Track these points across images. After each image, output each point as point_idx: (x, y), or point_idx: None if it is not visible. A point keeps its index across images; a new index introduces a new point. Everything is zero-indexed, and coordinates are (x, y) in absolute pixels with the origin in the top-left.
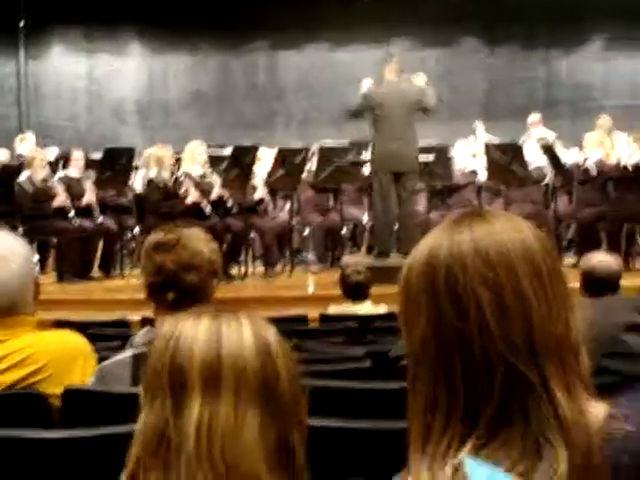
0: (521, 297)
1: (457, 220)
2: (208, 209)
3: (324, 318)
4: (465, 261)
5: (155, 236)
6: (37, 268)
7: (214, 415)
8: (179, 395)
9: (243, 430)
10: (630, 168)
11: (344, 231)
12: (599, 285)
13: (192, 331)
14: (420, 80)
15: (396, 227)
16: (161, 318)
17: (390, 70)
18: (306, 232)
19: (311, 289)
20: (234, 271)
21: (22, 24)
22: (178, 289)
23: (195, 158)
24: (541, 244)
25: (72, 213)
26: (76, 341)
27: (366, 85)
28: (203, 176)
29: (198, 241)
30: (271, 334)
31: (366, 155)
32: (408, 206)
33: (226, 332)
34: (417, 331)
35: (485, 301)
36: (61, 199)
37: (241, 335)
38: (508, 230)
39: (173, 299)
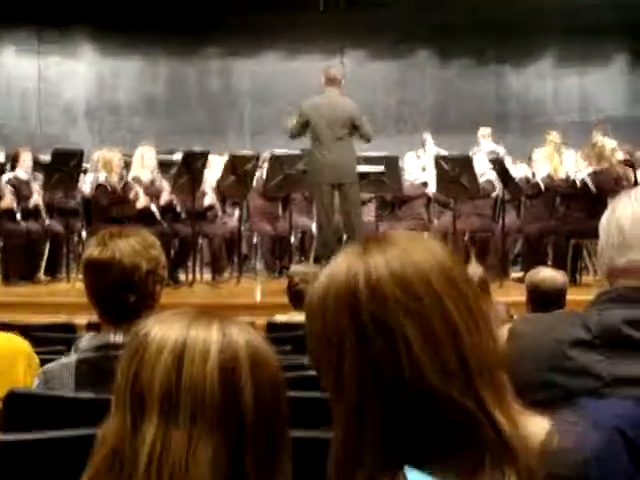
0: (449, 322)
1: (366, 245)
2: (158, 214)
3: (271, 326)
4: (384, 291)
5: (90, 252)
6: None
7: (168, 441)
8: (137, 414)
9: (195, 460)
10: (578, 184)
11: (292, 240)
12: (545, 300)
13: (157, 347)
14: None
15: (344, 237)
16: (106, 326)
17: (327, 80)
18: (255, 240)
19: (258, 297)
20: (182, 277)
21: None
22: (118, 307)
23: (145, 163)
24: (454, 261)
25: (19, 215)
26: (17, 343)
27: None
28: (152, 181)
29: (134, 255)
30: (242, 349)
31: None
32: (354, 218)
33: (190, 353)
34: (343, 362)
35: (411, 330)
36: (8, 201)
37: (206, 356)
38: (422, 252)
39: (115, 315)
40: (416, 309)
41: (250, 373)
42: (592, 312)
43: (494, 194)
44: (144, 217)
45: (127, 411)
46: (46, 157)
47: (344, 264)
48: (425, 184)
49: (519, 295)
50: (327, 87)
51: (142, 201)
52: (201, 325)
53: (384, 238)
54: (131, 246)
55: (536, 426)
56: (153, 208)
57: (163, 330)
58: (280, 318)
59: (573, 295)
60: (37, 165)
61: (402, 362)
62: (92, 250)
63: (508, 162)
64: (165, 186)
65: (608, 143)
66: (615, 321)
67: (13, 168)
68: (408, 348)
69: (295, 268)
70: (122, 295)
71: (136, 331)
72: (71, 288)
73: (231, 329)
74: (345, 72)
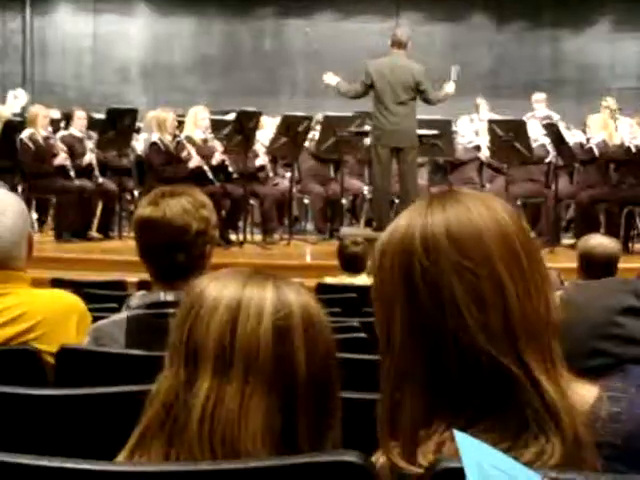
0: (498, 284)
1: (430, 201)
2: (210, 174)
3: (321, 288)
4: (439, 249)
5: (142, 211)
6: (34, 225)
7: (221, 396)
8: (192, 368)
9: (248, 416)
10: (633, 150)
11: (344, 202)
12: (597, 267)
13: (213, 304)
14: (450, 87)
15: (396, 201)
16: (157, 284)
17: (393, 42)
18: (306, 201)
19: (309, 259)
20: (232, 237)
21: None
22: (169, 267)
23: (198, 122)
24: (516, 224)
25: (72, 173)
26: (71, 300)
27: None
28: (205, 140)
29: (185, 214)
30: (296, 309)
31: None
32: (409, 181)
33: (244, 311)
34: (393, 318)
35: (459, 290)
36: (62, 158)
37: (261, 314)
38: (482, 211)
39: (166, 273)
40: (466, 268)
41: (303, 334)
42: None
43: (547, 160)
44: (196, 177)
45: (181, 366)
46: (100, 116)
47: (404, 221)
48: (478, 148)
49: (570, 262)
50: (393, 49)
51: (195, 161)
52: (256, 284)
53: (449, 195)
54: (182, 205)
55: (585, 393)
56: (205, 168)
57: (219, 288)
58: (330, 280)
59: (625, 263)
60: (91, 123)
61: (448, 321)
62: (143, 209)
63: (562, 127)
64: (217, 146)
65: None
66: None
67: (67, 126)
68: (455, 306)
69: (346, 231)
70: (172, 254)
71: (192, 288)
72: (123, 246)
73: (285, 289)
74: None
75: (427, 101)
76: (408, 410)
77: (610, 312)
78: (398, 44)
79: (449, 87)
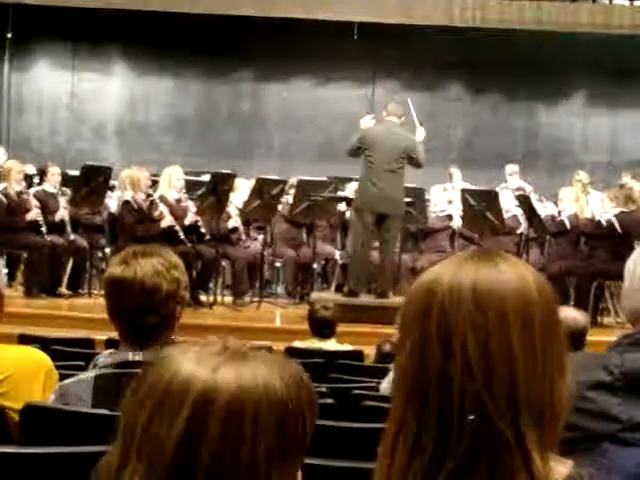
0: (508, 349)
1: (466, 256)
2: (182, 235)
3: (289, 352)
4: (461, 300)
5: (113, 270)
6: (4, 280)
7: None
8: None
9: None
10: (604, 224)
11: (315, 266)
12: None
13: (180, 394)
14: (420, 134)
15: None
16: (125, 344)
17: (389, 111)
18: (277, 265)
19: (278, 322)
20: (203, 298)
21: (9, 35)
22: (138, 327)
23: (172, 182)
24: (542, 300)
25: (44, 228)
26: (38, 357)
27: (365, 123)
28: (179, 201)
29: (156, 275)
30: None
31: (344, 191)
32: (390, 249)
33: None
34: (402, 357)
35: (471, 344)
36: (34, 214)
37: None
38: (510, 275)
39: (135, 334)
40: (482, 325)
41: (221, 421)
42: (614, 355)
43: (519, 230)
44: (168, 236)
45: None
46: (75, 172)
47: (436, 271)
48: (450, 217)
49: None
50: (388, 118)
51: (167, 220)
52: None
53: (486, 253)
54: (153, 266)
55: (560, 469)
56: (177, 228)
57: (188, 371)
58: (299, 344)
59: (594, 336)
60: (66, 180)
61: (455, 370)
62: (114, 268)
63: (534, 199)
64: (191, 206)
65: (636, 186)
66: (637, 365)
67: (41, 182)
68: (463, 354)
69: (316, 295)
70: (142, 315)
71: (160, 366)
72: (92, 304)
73: (228, 370)
74: (375, 101)
75: (414, 164)
76: (398, 460)
77: (580, 387)
78: (393, 113)
79: (419, 134)
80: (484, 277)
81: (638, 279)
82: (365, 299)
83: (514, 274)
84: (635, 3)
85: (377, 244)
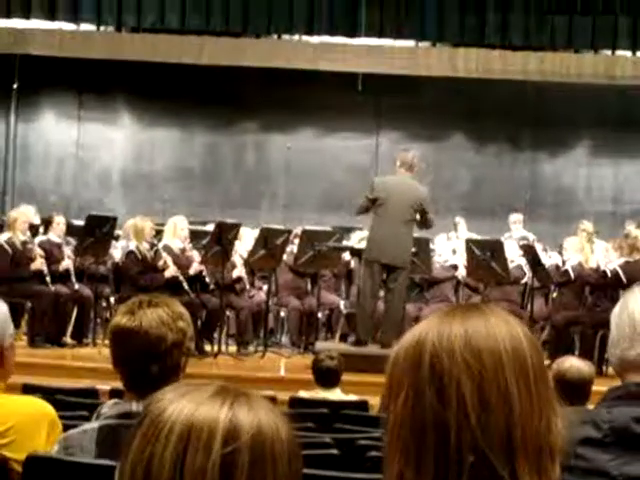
0: (505, 394)
1: (453, 310)
2: (186, 285)
3: (294, 402)
4: (453, 347)
5: (118, 320)
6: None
7: None
8: None
9: None
10: (608, 274)
11: (320, 316)
12: (571, 389)
13: (166, 433)
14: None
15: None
16: (129, 394)
17: (402, 163)
18: (282, 314)
19: (283, 372)
20: (207, 348)
21: (15, 86)
22: (142, 377)
23: (177, 232)
24: (531, 345)
25: (49, 278)
26: (42, 407)
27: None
28: (183, 250)
29: (162, 325)
30: (246, 440)
31: (348, 241)
32: (396, 298)
33: (194, 443)
34: (396, 407)
35: (467, 389)
36: (39, 263)
37: (210, 448)
38: (501, 326)
39: (139, 384)
40: (477, 370)
41: (249, 468)
42: (602, 410)
43: (523, 280)
44: (172, 286)
45: None
46: (80, 222)
47: (424, 324)
48: (455, 267)
49: None
50: (400, 170)
51: (171, 270)
52: (212, 406)
53: (472, 307)
54: (159, 316)
55: None
56: (181, 278)
57: (177, 410)
58: (304, 394)
59: (599, 386)
60: (70, 229)
61: (451, 416)
62: (120, 318)
63: (539, 249)
64: (195, 256)
65: None
66: (625, 420)
67: (47, 231)
68: (459, 401)
69: (321, 345)
70: (146, 364)
71: (150, 408)
72: (96, 354)
73: (242, 413)
74: (379, 152)
75: (423, 223)
76: None
77: (571, 443)
78: (407, 166)
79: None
80: (474, 325)
81: (623, 328)
82: (370, 349)
83: (502, 322)
84: (638, 54)
85: (382, 294)
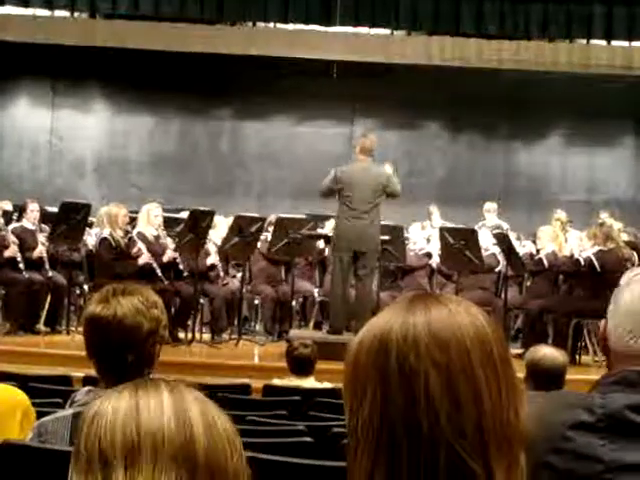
0: (473, 383)
1: (412, 300)
2: (159, 272)
3: (268, 389)
4: (419, 343)
5: (93, 309)
6: None
7: None
8: (104, 470)
9: None
10: (582, 262)
11: (294, 304)
12: (544, 378)
13: (112, 410)
14: (387, 169)
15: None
16: (103, 382)
17: (362, 149)
18: (256, 302)
19: (257, 359)
20: (181, 335)
21: None
22: (118, 365)
23: (150, 219)
24: (493, 331)
25: (22, 265)
26: (15, 395)
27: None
28: (157, 237)
29: (137, 314)
30: (194, 406)
31: (323, 229)
32: (366, 285)
33: (144, 407)
34: (362, 408)
35: (435, 384)
36: (12, 250)
37: (161, 409)
38: (463, 315)
39: (114, 372)
40: (444, 363)
41: (202, 418)
42: (596, 395)
43: (497, 269)
44: (146, 273)
45: (92, 472)
46: (54, 209)
47: (384, 316)
48: (429, 255)
49: (517, 372)
50: (360, 156)
51: (144, 258)
52: (147, 387)
53: (431, 297)
54: (134, 305)
55: None
56: (155, 265)
57: (112, 399)
58: (277, 382)
59: (572, 375)
60: (44, 217)
61: (419, 413)
62: (94, 307)
63: (512, 238)
64: (169, 243)
65: (616, 224)
66: (619, 406)
67: (20, 218)
68: (428, 396)
69: (295, 333)
70: (122, 354)
71: (87, 411)
72: (70, 341)
73: (185, 400)
74: (354, 139)
75: (390, 195)
76: None
77: (561, 426)
78: (366, 150)
79: (387, 168)
80: (437, 318)
81: (619, 318)
82: (344, 337)
83: (464, 312)
84: (612, 43)
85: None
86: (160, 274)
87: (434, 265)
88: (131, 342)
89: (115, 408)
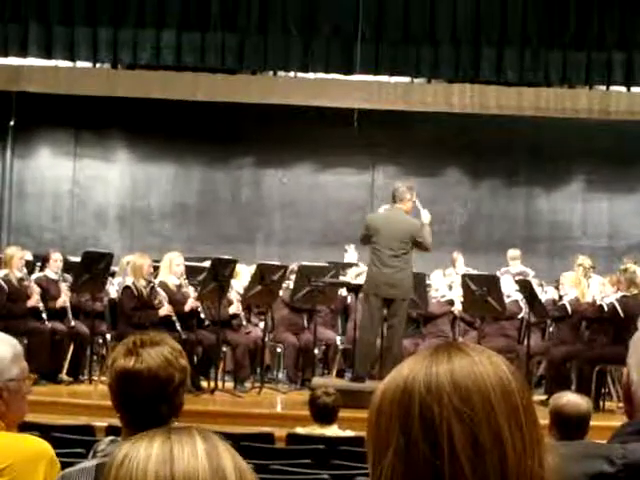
0: (497, 435)
1: (436, 349)
2: (178, 325)
3: (291, 438)
4: (442, 393)
5: (123, 362)
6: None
7: None
8: None
9: None
10: (605, 308)
11: (316, 352)
12: (568, 425)
13: (144, 455)
14: (425, 216)
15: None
16: (128, 431)
17: (392, 198)
18: (278, 350)
19: (279, 408)
20: (204, 384)
21: (12, 123)
22: (148, 417)
23: (172, 268)
24: (516, 381)
25: (45, 315)
26: (40, 446)
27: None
28: (179, 286)
29: (169, 366)
30: (226, 454)
31: (345, 276)
32: (396, 333)
33: (178, 454)
34: (386, 457)
35: (458, 434)
36: (35, 299)
37: (195, 456)
38: (486, 365)
39: (143, 423)
40: (467, 413)
41: (235, 468)
42: (616, 445)
43: (520, 315)
44: (167, 323)
45: None
46: (76, 258)
47: (408, 366)
48: (451, 302)
49: (541, 418)
50: (393, 204)
51: (164, 309)
52: (180, 433)
53: (454, 347)
54: (164, 356)
55: None
56: (174, 318)
57: (144, 443)
58: (301, 430)
59: (596, 421)
60: (67, 266)
61: (443, 464)
62: (124, 359)
63: (535, 284)
64: (191, 292)
65: (638, 270)
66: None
67: (43, 268)
68: (451, 448)
69: (317, 381)
70: (155, 405)
71: (112, 457)
72: (93, 390)
73: (210, 436)
74: (375, 187)
75: (421, 248)
76: None
77: (584, 477)
78: (398, 199)
79: (424, 216)
80: (460, 368)
81: None
82: (367, 385)
83: (487, 361)
84: (632, 89)
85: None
86: (178, 327)
87: (456, 312)
88: (165, 394)
89: (148, 452)
